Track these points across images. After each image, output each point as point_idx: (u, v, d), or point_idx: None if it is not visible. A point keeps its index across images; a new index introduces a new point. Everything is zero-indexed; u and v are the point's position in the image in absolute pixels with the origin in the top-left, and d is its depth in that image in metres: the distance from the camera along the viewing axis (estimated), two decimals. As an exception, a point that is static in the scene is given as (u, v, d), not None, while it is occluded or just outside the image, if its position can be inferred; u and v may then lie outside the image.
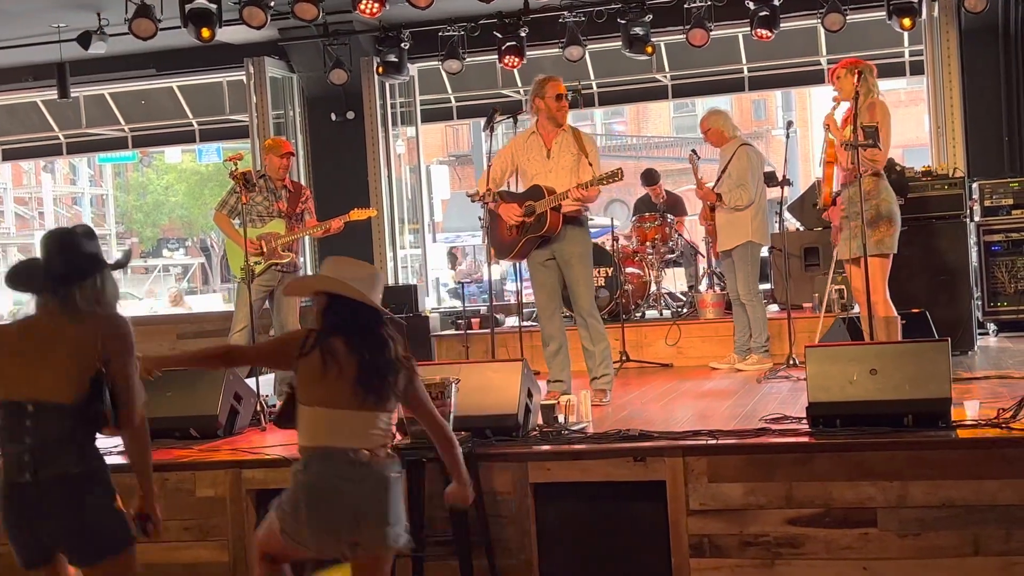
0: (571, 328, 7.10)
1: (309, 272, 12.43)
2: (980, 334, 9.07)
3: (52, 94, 12.21)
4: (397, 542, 3.80)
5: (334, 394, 3.75)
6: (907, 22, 10.44)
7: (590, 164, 6.71)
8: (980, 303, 9.27)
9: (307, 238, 10.36)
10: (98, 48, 10.76)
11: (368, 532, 3.73)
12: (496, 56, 11.32)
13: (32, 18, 10.95)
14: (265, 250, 7.61)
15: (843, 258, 6.81)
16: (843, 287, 8.57)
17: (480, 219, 7.34)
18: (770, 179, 8.79)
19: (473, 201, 6.94)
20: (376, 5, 8.76)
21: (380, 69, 11.80)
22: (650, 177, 10.96)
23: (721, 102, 19.67)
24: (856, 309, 7.91)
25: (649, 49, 11.09)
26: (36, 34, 11.42)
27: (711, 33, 10.87)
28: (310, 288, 4.03)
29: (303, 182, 12.50)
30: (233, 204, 7.74)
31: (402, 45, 11.62)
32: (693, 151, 9.07)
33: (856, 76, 6.46)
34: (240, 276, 7.67)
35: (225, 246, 8.02)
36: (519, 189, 6.94)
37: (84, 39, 10.69)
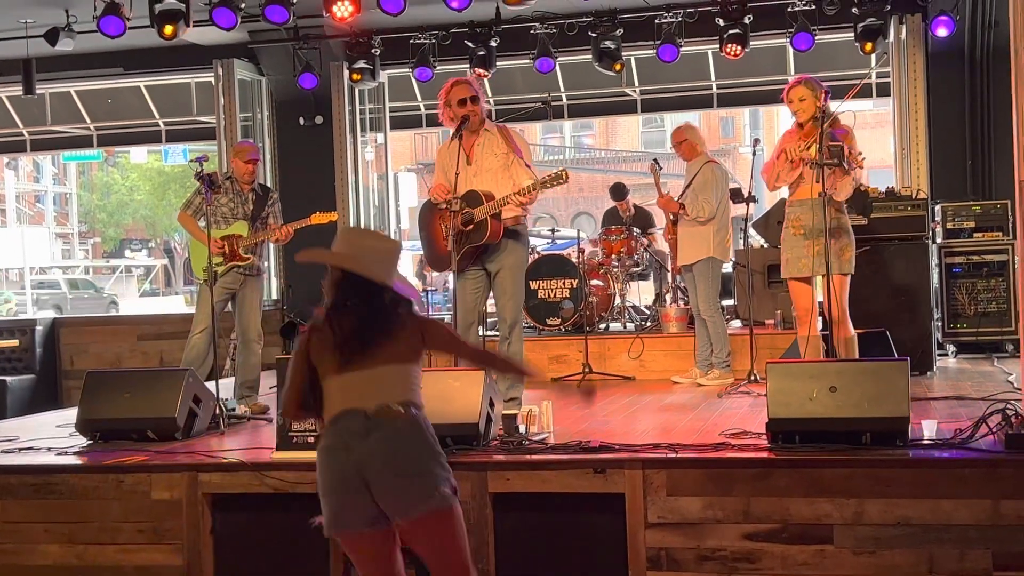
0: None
1: (272, 274, 12.39)
2: (939, 355, 9.15)
3: (17, 90, 12.09)
4: (439, 499, 3.66)
5: (342, 359, 3.73)
6: (868, 46, 10.55)
7: (527, 165, 6.52)
8: (940, 324, 9.36)
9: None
10: (65, 45, 10.67)
11: (397, 491, 3.62)
12: (467, 65, 11.32)
13: (-1, 14, 10.87)
14: (227, 251, 7.53)
15: (793, 276, 6.73)
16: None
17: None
18: (736, 196, 8.85)
19: (441, 208, 6.73)
20: (349, 10, 8.73)
21: (354, 76, 11.77)
22: (618, 191, 11.01)
23: (690, 118, 19.79)
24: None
25: (618, 66, 11.13)
26: (3, 29, 11.31)
27: (681, 49, 10.94)
28: (323, 259, 3.99)
29: (270, 185, 12.45)
30: (198, 205, 7.68)
31: (373, 51, 11.61)
32: (655, 161, 9.11)
33: (823, 95, 6.49)
34: (203, 277, 7.61)
35: (189, 247, 7.93)
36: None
37: (51, 36, 10.60)
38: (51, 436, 6.63)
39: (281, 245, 8.29)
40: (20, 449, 6.20)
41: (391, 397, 3.70)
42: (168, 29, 9.09)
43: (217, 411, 6.62)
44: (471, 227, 6.45)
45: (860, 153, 6.37)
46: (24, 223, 34.83)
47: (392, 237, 4.38)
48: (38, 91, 12.14)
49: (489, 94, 12.86)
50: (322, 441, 3.76)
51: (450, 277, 6.98)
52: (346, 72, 12.00)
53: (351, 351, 3.72)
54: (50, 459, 5.89)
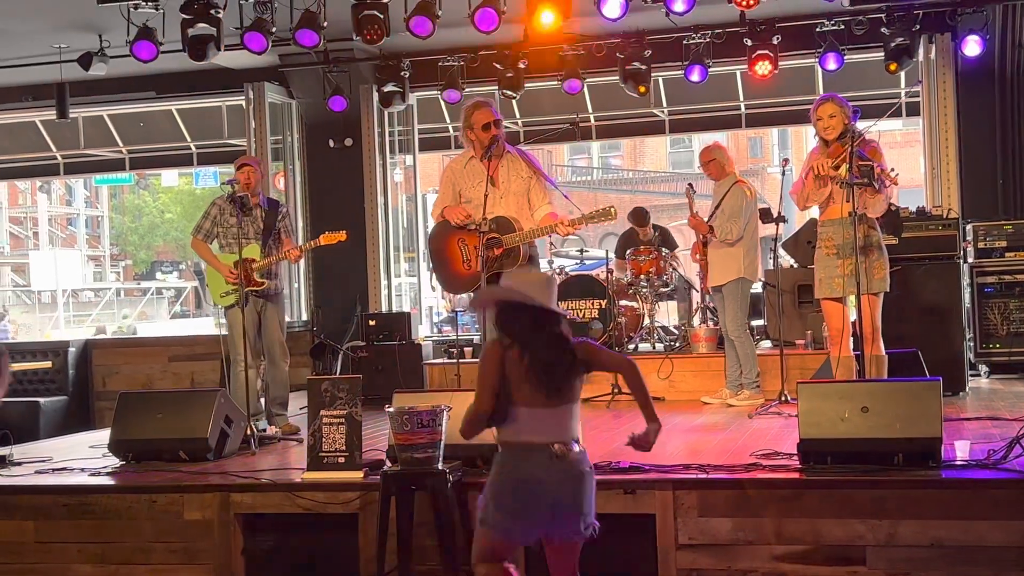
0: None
1: (302, 296, 12.45)
2: (972, 375, 9.09)
3: (51, 114, 12.23)
4: (588, 531, 4.10)
5: (532, 394, 4.03)
6: (893, 66, 10.51)
7: (547, 190, 6.52)
8: (972, 344, 9.29)
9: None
10: (98, 70, 10.79)
11: (562, 521, 4.04)
12: (495, 87, 11.37)
13: (34, 39, 11.00)
14: (239, 278, 7.28)
15: (826, 296, 6.71)
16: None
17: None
18: (765, 216, 8.84)
19: (470, 230, 6.67)
20: (378, 33, 8.78)
21: (384, 101, 11.84)
22: (639, 217, 10.96)
23: (718, 138, 19.76)
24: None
25: (642, 89, 11.13)
26: (37, 55, 11.46)
27: (709, 69, 10.94)
28: (493, 299, 4.35)
29: (299, 208, 12.53)
30: (208, 228, 7.67)
31: (402, 74, 11.68)
32: (690, 185, 9.14)
33: (851, 114, 6.48)
34: (222, 304, 7.58)
35: (205, 273, 7.85)
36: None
37: (85, 60, 10.72)
38: (84, 457, 6.69)
39: (293, 263, 8.19)
40: (54, 470, 6.26)
41: (568, 436, 4.08)
42: (200, 51, 9.17)
43: (248, 431, 6.65)
44: (500, 251, 6.37)
45: (892, 169, 6.35)
46: (56, 246, 35.14)
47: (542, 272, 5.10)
48: (71, 115, 12.27)
49: (517, 115, 12.91)
50: (508, 461, 4.09)
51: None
52: (375, 95, 12.07)
53: (549, 387, 4.05)
54: (83, 479, 5.94)
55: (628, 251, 10.67)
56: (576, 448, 4.10)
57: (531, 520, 4.05)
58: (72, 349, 12.18)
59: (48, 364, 11.15)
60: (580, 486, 4.08)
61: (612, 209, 6.32)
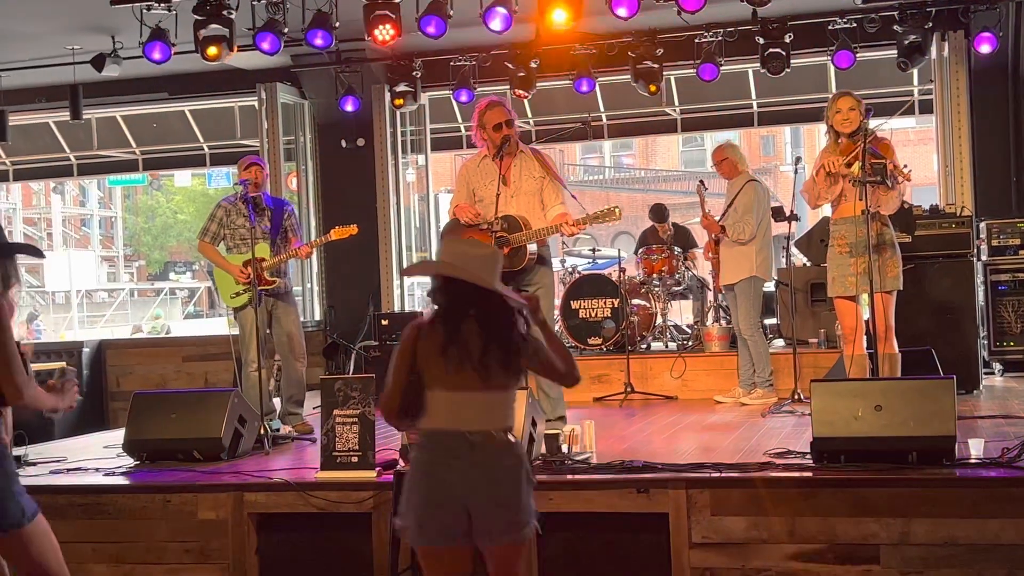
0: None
1: (315, 295, 12.47)
2: (986, 373, 9.06)
3: (65, 115, 12.27)
4: (523, 533, 3.67)
5: (449, 376, 3.65)
6: (904, 64, 10.48)
7: (560, 190, 6.51)
8: (986, 342, 9.26)
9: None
10: (111, 71, 10.82)
11: (486, 520, 3.61)
12: (507, 86, 11.37)
13: (47, 40, 11.04)
14: (251, 278, 7.27)
15: (839, 294, 6.70)
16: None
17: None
18: (777, 214, 8.83)
19: (481, 228, 6.71)
20: (391, 33, 8.79)
21: (397, 101, 11.85)
22: (659, 213, 10.96)
23: (730, 137, 19.74)
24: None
25: (653, 88, 11.12)
26: (50, 56, 11.49)
27: (721, 68, 10.93)
28: (426, 272, 4.06)
29: (312, 209, 12.55)
30: (215, 231, 7.67)
31: (414, 74, 11.69)
32: (701, 182, 9.12)
33: (864, 112, 6.47)
34: (233, 304, 7.59)
35: (214, 275, 7.85)
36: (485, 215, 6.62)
37: (98, 62, 10.76)
38: (98, 457, 6.71)
39: (303, 260, 8.19)
40: (68, 470, 6.29)
41: (495, 424, 3.67)
42: (212, 51, 9.19)
43: (262, 431, 6.67)
44: (507, 251, 6.39)
45: (906, 166, 6.33)
46: (70, 247, 35.26)
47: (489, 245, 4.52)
48: (85, 116, 12.32)
49: (529, 115, 12.90)
50: (419, 452, 3.73)
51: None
52: (387, 95, 12.09)
53: (471, 368, 3.64)
54: (98, 479, 5.96)
55: (640, 250, 10.67)
56: (503, 436, 3.66)
57: (446, 520, 3.60)
58: (86, 350, 12.23)
59: (62, 364, 11.18)
60: (506, 479, 3.63)
61: (616, 209, 6.35)
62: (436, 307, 3.76)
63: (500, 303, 3.73)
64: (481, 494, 3.60)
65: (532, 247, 6.47)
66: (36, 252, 4.63)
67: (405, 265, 12.51)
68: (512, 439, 3.72)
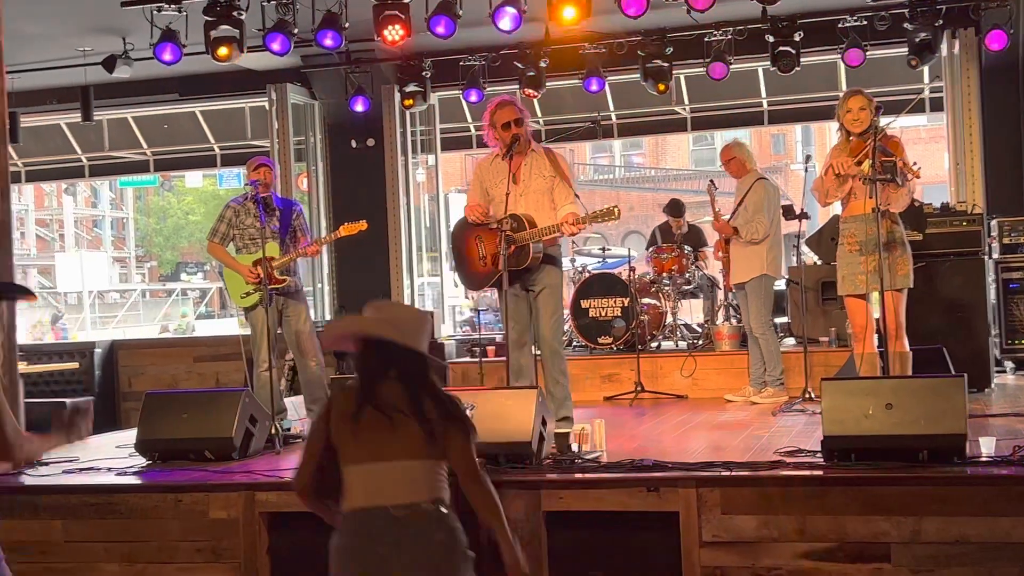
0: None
1: (325, 295, 12.49)
2: (997, 372, 9.04)
3: (76, 117, 12.33)
4: None
5: (373, 445, 3.36)
6: (914, 62, 10.46)
7: (571, 189, 6.51)
8: (998, 340, 9.24)
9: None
10: (122, 72, 10.86)
11: None
12: (517, 86, 11.37)
13: (58, 42, 11.08)
14: (261, 276, 7.28)
15: (849, 293, 6.68)
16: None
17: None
18: (788, 213, 8.81)
19: (490, 227, 6.69)
20: (400, 33, 8.80)
21: (407, 102, 11.87)
22: (676, 208, 10.94)
23: (740, 135, 19.75)
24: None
25: (662, 87, 11.11)
26: (61, 58, 11.54)
27: (731, 66, 10.92)
28: (358, 329, 3.61)
29: (322, 209, 12.57)
30: (224, 232, 7.70)
31: (424, 74, 11.70)
32: (711, 182, 9.10)
33: (874, 110, 6.45)
34: (242, 304, 7.61)
35: (224, 276, 7.87)
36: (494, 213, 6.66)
37: (109, 63, 10.80)
38: (110, 456, 6.73)
39: (312, 257, 8.23)
40: (80, 469, 6.30)
41: (421, 495, 3.35)
42: (223, 51, 9.22)
43: (273, 431, 6.68)
44: (512, 250, 6.41)
45: (915, 163, 6.31)
46: (82, 248, 35.37)
47: (415, 308, 4.12)
48: (96, 117, 12.37)
49: (539, 114, 12.90)
50: (337, 539, 3.41)
51: (496, 297, 6.98)
52: (397, 95, 12.11)
53: (389, 436, 3.34)
54: (110, 479, 5.98)
55: (651, 248, 10.66)
56: (433, 508, 3.33)
57: None
58: (98, 350, 12.27)
59: (75, 365, 11.23)
60: (439, 556, 3.30)
61: (615, 209, 6.35)
62: (357, 370, 3.49)
63: (425, 367, 3.46)
64: (408, 574, 3.26)
65: (538, 246, 6.48)
66: (25, 293, 4.38)
67: (415, 264, 12.52)
68: (444, 511, 3.39)
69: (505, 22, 8.64)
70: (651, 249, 10.59)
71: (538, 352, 6.84)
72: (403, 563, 3.27)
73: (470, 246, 6.76)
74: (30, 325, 25.34)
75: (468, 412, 4.92)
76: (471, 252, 6.74)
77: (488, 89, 11.62)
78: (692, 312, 12.14)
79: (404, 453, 3.34)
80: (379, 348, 3.45)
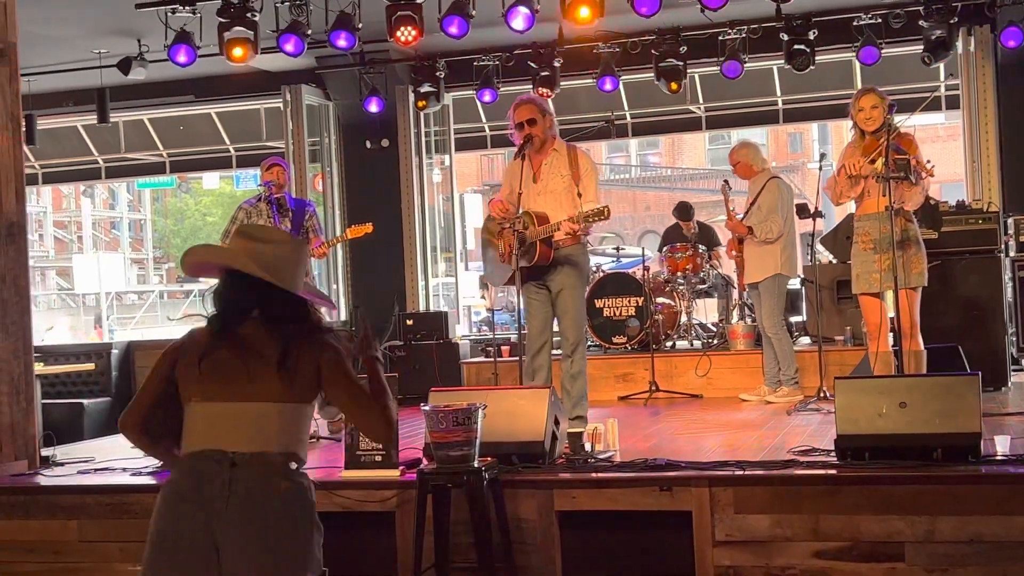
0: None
1: (340, 296, 12.50)
2: (1014, 370, 8.99)
3: (92, 119, 12.36)
4: None
5: (220, 383, 2.98)
6: (928, 59, 10.41)
7: (579, 193, 6.51)
8: (1014, 339, 9.18)
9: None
10: (138, 74, 10.90)
11: (234, 567, 2.84)
12: (531, 85, 11.36)
13: (73, 44, 11.13)
14: None
15: (864, 291, 6.66)
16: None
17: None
18: (802, 211, 8.78)
19: (504, 226, 6.75)
20: (413, 34, 8.81)
21: (420, 103, 11.88)
22: (684, 211, 10.93)
23: (756, 134, 19.69)
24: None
25: (674, 86, 11.08)
26: (77, 60, 11.59)
27: (745, 65, 10.89)
28: (214, 259, 3.20)
29: (337, 210, 12.59)
30: None
31: (438, 74, 11.70)
32: (726, 182, 9.09)
33: (888, 108, 6.43)
34: None
35: None
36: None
37: (124, 65, 10.84)
38: (126, 457, 6.74)
39: (320, 259, 8.26)
40: (96, 470, 6.33)
41: (270, 445, 2.96)
42: (238, 52, 9.24)
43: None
44: (524, 247, 6.48)
45: (928, 161, 6.29)
46: (100, 249, 35.52)
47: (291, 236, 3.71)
48: (112, 119, 12.41)
49: (553, 114, 12.87)
50: (165, 485, 3.00)
51: (513, 295, 7.04)
52: (411, 95, 12.11)
53: (240, 374, 2.97)
54: (125, 479, 6.01)
55: (665, 248, 10.65)
56: (281, 460, 2.96)
57: (194, 565, 2.84)
58: (115, 351, 12.31)
59: (91, 366, 11.26)
60: (275, 517, 2.88)
61: (605, 209, 6.33)
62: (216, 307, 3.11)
63: (294, 304, 3.09)
64: (236, 531, 2.84)
65: (547, 244, 6.53)
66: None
67: (430, 265, 12.54)
68: (294, 466, 3.02)
69: (518, 22, 8.64)
70: (665, 249, 10.58)
71: (558, 351, 6.84)
72: (232, 510, 2.85)
73: (494, 242, 6.84)
74: (46, 329, 25.44)
75: (480, 412, 4.93)
76: (495, 247, 6.80)
77: (502, 89, 11.61)
78: (706, 311, 12.11)
79: (255, 395, 2.96)
80: (243, 283, 3.06)
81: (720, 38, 10.88)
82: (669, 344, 10.21)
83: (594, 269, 10.80)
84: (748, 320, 9.85)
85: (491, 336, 10.87)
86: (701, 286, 10.37)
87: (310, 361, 3.04)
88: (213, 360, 2.98)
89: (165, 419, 3.05)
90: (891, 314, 6.59)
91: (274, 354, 2.97)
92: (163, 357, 3.13)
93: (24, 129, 6.74)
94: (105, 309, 30.22)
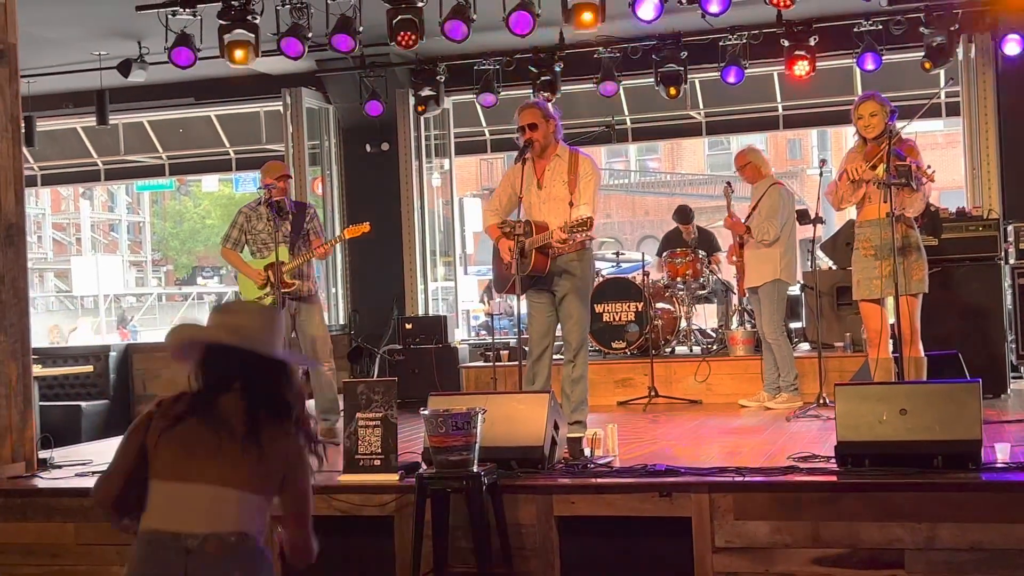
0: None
1: (339, 299, 12.49)
2: (1014, 377, 8.98)
3: (92, 121, 12.36)
4: None
5: (186, 462, 2.93)
6: (927, 65, 10.42)
7: (571, 203, 6.44)
8: (1014, 346, 9.18)
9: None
10: (138, 76, 10.90)
11: None
12: (531, 90, 11.36)
13: (74, 46, 11.12)
14: (272, 280, 7.38)
15: (864, 297, 6.65)
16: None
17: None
18: (803, 217, 8.78)
19: (504, 232, 6.73)
20: (412, 37, 8.81)
21: (420, 108, 11.88)
22: (683, 215, 10.92)
23: (756, 140, 19.66)
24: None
25: (673, 91, 11.08)
26: (77, 62, 11.58)
27: (746, 71, 10.89)
28: (199, 336, 3.15)
29: (336, 213, 12.58)
30: (236, 237, 7.75)
31: (438, 78, 11.70)
32: (728, 184, 9.12)
33: (888, 113, 6.43)
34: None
35: (238, 280, 7.94)
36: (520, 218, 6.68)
37: (124, 67, 10.83)
38: (124, 460, 6.73)
39: (321, 260, 8.28)
40: (94, 472, 6.30)
41: (225, 527, 2.90)
42: (239, 54, 9.24)
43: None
44: (522, 254, 6.46)
45: (929, 167, 6.29)
46: (99, 251, 35.51)
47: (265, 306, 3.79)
48: (111, 121, 12.41)
49: (558, 119, 12.85)
50: (130, 562, 2.95)
51: (514, 302, 7.02)
52: (411, 99, 12.11)
53: (205, 456, 2.91)
54: (122, 482, 5.98)
55: (664, 253, 10.63)
56: (235, 542, 2.89)
57: None
58: (113, 353, 12.29)
59: (89, 368, 11.25)
60: None
61: (588, 220, 6.25)
62: (200, 379, 3.07)
63: (276, 368, 3.07)
64: None
65: (544, 252, 6.49)
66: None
67: (429, 269, 12.52)
68: (249, 547, 2.95)
69: (519, 26, 8.64)
70: (665, 254, 10.56)
71: (558, 356, 6.83)
72: None
73: (503, 249, 6.80)
74: (69, 331, 25.45)
75: (479, 417, 4.91)
76: (503, 254, 6.78)
77: (502, 93, 11.61)
78: (706, 317, 12.11)
79: (218, 478, 2.90)
80: (221, 356, 3.04)
81: (721, 44, 10.89)
82: (668, 349, 10.19)
83: (594, 273, 10.79)
84: (748, 326, 9.84)
85: (490, 340, 10.87)
86: (701, 291, 10.36)
87: (280, 450, 3.03)
88: (182, 432, 2.94)
89: (140, 494, 2.98)
90: (891, 321, 6.58)
91: (243, 429, 2.94)
92: (135, 429, 3.06)
93: (23, 131, 6.73)
94: (103, 311, 30.20)
